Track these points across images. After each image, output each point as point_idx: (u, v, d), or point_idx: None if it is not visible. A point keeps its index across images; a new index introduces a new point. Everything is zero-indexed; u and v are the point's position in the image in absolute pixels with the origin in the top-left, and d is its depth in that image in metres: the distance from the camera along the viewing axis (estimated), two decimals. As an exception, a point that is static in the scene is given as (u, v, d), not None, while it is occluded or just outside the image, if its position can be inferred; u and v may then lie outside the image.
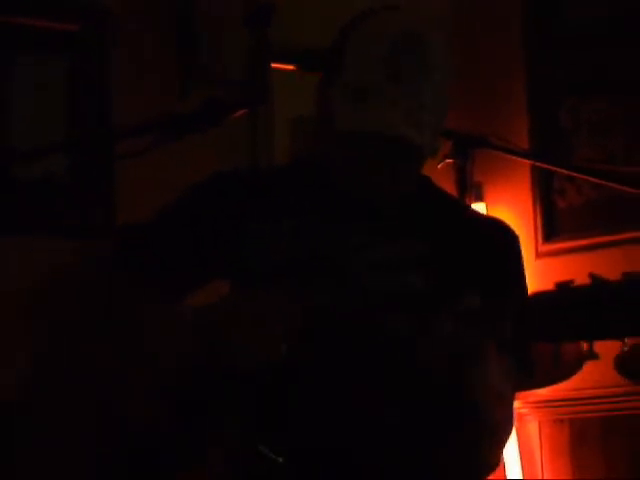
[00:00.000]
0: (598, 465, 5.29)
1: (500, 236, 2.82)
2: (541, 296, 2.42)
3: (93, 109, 4.78)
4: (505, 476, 5.33)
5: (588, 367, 4.26)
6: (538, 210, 5.55)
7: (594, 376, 4.45)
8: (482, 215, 2.91)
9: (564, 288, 2.37)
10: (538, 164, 5.36)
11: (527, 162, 5.42)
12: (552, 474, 5.40)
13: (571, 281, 2.35)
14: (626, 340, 2.46)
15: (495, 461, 2.73)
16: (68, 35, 4.76)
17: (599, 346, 3.99)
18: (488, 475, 2.81)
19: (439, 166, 4.17)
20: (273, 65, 5.01)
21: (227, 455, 2.65)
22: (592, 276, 2.32)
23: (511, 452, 5.35)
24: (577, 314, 2.36)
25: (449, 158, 4.21)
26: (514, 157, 5.12)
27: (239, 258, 2.72)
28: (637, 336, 2.40)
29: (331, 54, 2.73)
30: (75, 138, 4.73)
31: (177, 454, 2.67)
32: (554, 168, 5.26)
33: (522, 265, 2.80)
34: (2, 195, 4.60)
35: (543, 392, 4.95)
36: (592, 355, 2.45)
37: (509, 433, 2.73)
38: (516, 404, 5.50)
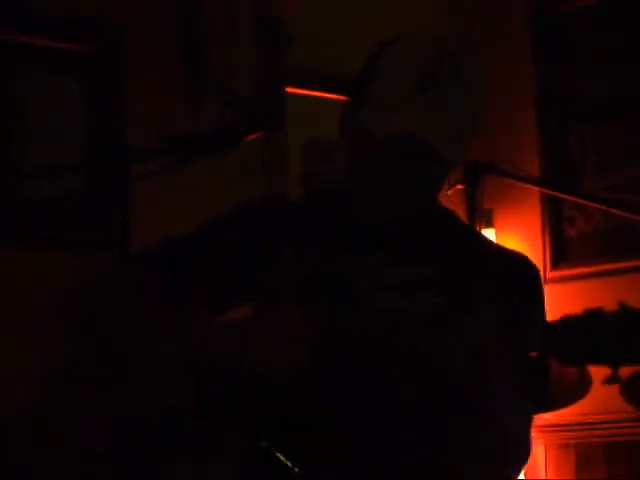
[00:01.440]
0: None
1: (522, 268, 2.87)
2: (570, 319, 2.44)
3: (109, 129, 4.78)
4: None
5: (593, 392, 4.31)
6: (547, 237, 5.56)
7: (599, 402, 4.34)
8: (508, 249, 2.96)
9: (593, 312, 2.39)
10: (548, 192, 5.41)
11: (537, 189, 5.44)
12: None
13: (600, 307, 2.38)
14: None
15: (512, 476, 2.78)
16: (84, 56, 4.77)
17: (601, 371, 4.14)
18: None
19: (449, 192, 4.20)
20: (288, 89, 5.01)
21: (237, 455, 2.69)
22: (620, 303, 2.35)
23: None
24: (607, 338, 2.39)
25: (459, 184, 4.22)
26: (524, 184, 5.18)
27: (264, 282, 2.78)
28: None
29: (361, 75, 2.77)
30: (92, 158, 4.67)
31: (191, 449, 2.72)
32: (564, 196, 5.30)
33: (543, 297, 2.84)
34: (18, 211, 4.60)
35: (549, 417, 4.84)
36: (617, 379, 2.46)
37: (526, 451, 2.77)
38: None
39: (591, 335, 2.40)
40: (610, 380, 2.41)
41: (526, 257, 2.87)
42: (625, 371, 3.85)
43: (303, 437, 2.68)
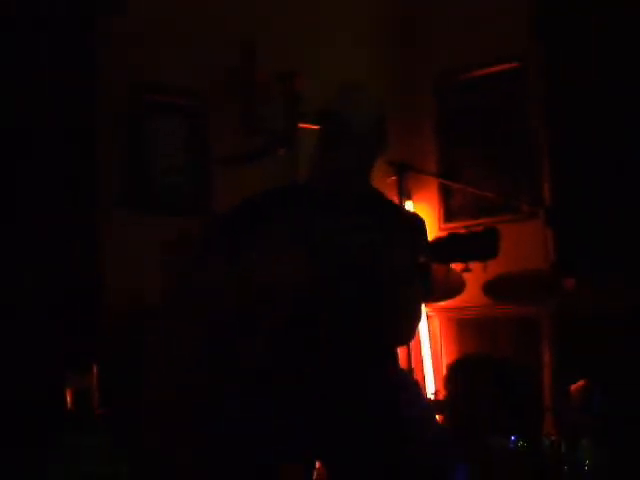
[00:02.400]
0: (472, 345, 5.28)
1: (417, 219, 2.87)
2: (440, 237, 2.50)
3: (201, 148, 4.73)
4: (421, 350, 5.27)
5: (467, 291, 4.34)
6: (441, 206, 5.50)
7: (471, 295, 4.42)
8: (408, 210, 2.98)
9: (451, 233, 2.47)
10: (441, 180, 5.42)
11: (435, 179, 5.43)
12: (446, 348, 5.38)
13: (456, 231, 2.46)
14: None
15: (414, 332, 2.78)
16: (187, 108, 4.73)
17: (475, 276, 4.12)
18: (410, 340, 2.87)
19: (388, 181, 4.24)
20: (300, 124, 4.83)
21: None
22: (466, 227, 2.45)
23: (424, 337, 5.31)
24: (457, 246, 2.44)
25: (393, 176, 4.29)
26: (428, 176, 5.27)
27: (270, 236, 2.71)
28: (487, 260, 2.42)
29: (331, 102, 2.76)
30: (191, 163, 4.68)
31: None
32: (449, 183, 5.36)
33: (426, 233, 2.81)
34: (150, 195, 4.56)
35: (442, 304, 4.90)
36: (468, 269, 2.51)
37: (420, 318, 2.74)
38: (428, 309, 5.44)
39: (449, 244, 2.44)
40: (464, 270, 2.45)
41: (419, 216, 2.88)
42: (483, 277, 3.89)
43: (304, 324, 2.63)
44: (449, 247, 2.44)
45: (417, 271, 2.54)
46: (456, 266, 2.51)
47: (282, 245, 2.68)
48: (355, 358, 2.65)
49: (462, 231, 2.46)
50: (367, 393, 2.63)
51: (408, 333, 2.77)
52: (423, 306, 2.83)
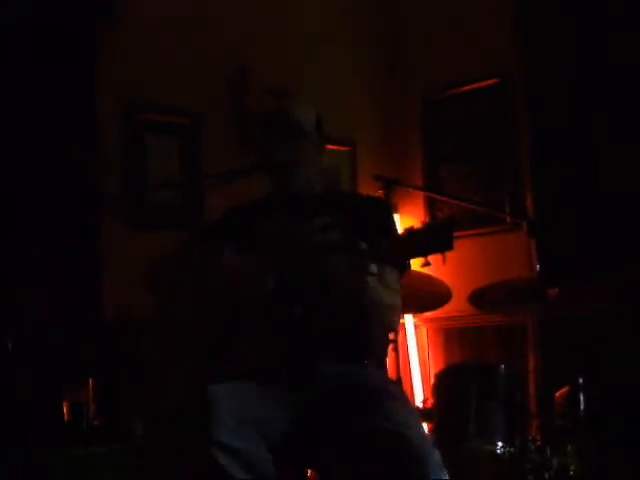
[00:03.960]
0: (457, 354, 5.27)
1: (381, 204, 2.90)
2: (401, 235, 2.39)
3: (191, 164, 4.72)
4: (409, 359, 5.28)
5: (453, 301, 4.33)
6: (427, 218, 5.45)
7: (456, 305, 4.41)
8: (372, 196, 2.94)
9: (408, 230, 2.36)
10: (427, 194, 5.43)
11: (421, 193, 5.43)
12: (434, 358, 5.36)
13: (413, 226, 2.33)
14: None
15: (396, 325, 2.73)
16: (181, 126, 4.73)
17: (460, 286, 4.15)
18: (393, 331, 2.77)
19: (376, 195, 4.22)
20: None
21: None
22: (422, 222, 2.34)
23: (412, 346, 5.30)
24: (417, 240, 2.31)
25: (380, 190, 4.26)
26: (414, 190, 5.29)
27: (249, 239, 2.72)
28: (444, 252, 2.31)
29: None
30: (183, 179, 4.69)
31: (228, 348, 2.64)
32: (434, 196, 5.38)
33: (393, 220, 2.77)
34: (144, 210, 4.53)
35: (429, 314, 4.91)
36: (428, 264, 2.43)
37: (399, 309, 2.64)
38: (414, 320, 5.41)
39: (407, 241, 2.32)
40: (424, 264, 2.36)
41: (384, 200, 2.84)
42: (469, 287, 3.87)
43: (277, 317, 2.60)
44: (407, 243, 2.35)
45: (384, 258, 2.44)
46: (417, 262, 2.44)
47: (252, 252, 2.67)
48: (330, 354, 2.61)
49: (418, 226, 2.36)
50: (350, 393, 2.56)
51: (385, 325, 2.70)
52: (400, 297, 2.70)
